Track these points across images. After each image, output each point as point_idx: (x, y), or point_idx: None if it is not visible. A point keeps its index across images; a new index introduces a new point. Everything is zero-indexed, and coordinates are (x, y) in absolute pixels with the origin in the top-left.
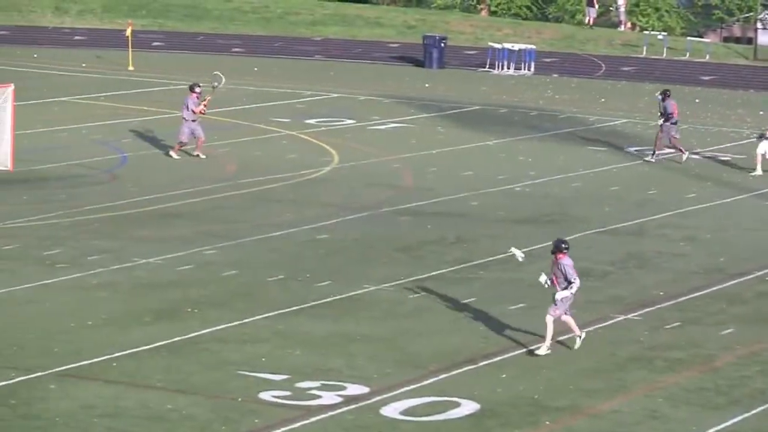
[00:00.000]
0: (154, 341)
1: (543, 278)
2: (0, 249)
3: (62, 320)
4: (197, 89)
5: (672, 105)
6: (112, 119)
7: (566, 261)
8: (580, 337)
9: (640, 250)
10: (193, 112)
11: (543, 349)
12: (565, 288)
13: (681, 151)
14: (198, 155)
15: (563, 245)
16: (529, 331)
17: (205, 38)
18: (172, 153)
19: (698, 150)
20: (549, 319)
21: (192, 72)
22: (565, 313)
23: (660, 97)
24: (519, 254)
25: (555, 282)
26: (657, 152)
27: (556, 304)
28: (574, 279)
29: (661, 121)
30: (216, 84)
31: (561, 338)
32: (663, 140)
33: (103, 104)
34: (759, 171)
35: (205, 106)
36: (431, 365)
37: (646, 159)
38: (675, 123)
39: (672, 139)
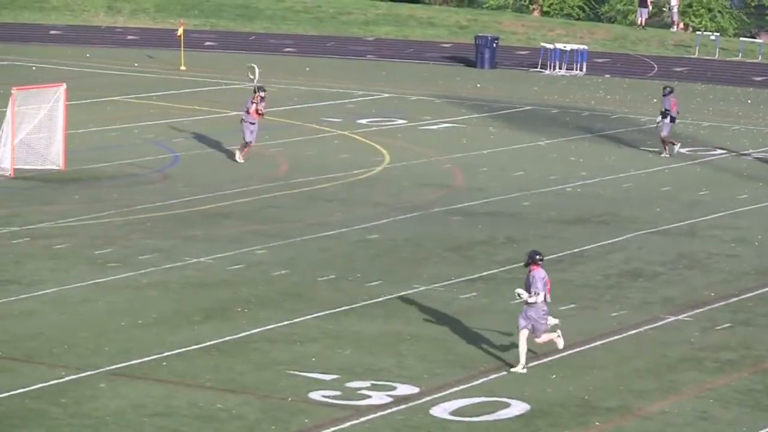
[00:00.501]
0: (204, 341)
1: (520, 291)
2: (52, 248)
3: (113, 319)
4: (261, 93)
5: (671, 102)
6: (164, 119)
7: (538, 273)
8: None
9: (691, 250)
10: (248, 112)
11: (519, 367)
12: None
13: (666, 146)
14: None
15: (537, 257)
16: (579, 332)
17: (257, 38)
18: (240, 158)
19: (749, 151)
20: (523, 336)
21: (244, 72)
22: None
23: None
24: (524, 295)
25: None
26: (669, 148)
27: (535, 326)
28: (539, 291)
29: (659, 118)
30: (252, 77)
31: (604, 341)
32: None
33: (155, 104)
34: None
35: (257, 111)
36: (481, 366)
37: (663, 155)
38: (673, 120)
39: (661, 135)
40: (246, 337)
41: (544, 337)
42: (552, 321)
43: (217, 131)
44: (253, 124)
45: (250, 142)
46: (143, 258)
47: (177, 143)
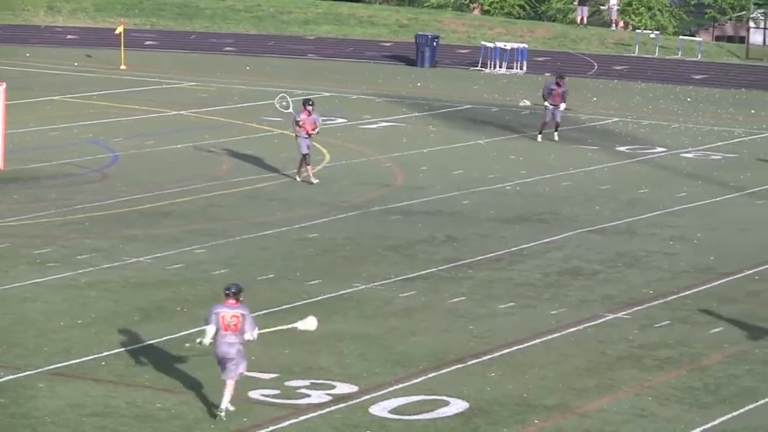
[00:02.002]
0: (143, 340)
1: (204, 340)
2: None
3: (52, 319)
4: (309, 107)
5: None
6: (104, 118)
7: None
8: (224, 411)
9: (630, 249)
10: (297, 127)
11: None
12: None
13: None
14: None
15: (231, 290)
16: (518, 330)
17: (197, 37)
18: (312, 178)
19: (689, 148)
20: (230, 384)
21: (184, 71)
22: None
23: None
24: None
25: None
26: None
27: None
28: (253, 332)
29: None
30: (284, 107)
31: (543, 339)
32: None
33: (95, 103)
34: None
35: (302, 126)
36: (420, 364)
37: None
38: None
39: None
40: (184, 336)
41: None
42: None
43: (156, 131)
44: (307, 138)
45: (308, 155)
46: (82, 258)
47: (116, 143)
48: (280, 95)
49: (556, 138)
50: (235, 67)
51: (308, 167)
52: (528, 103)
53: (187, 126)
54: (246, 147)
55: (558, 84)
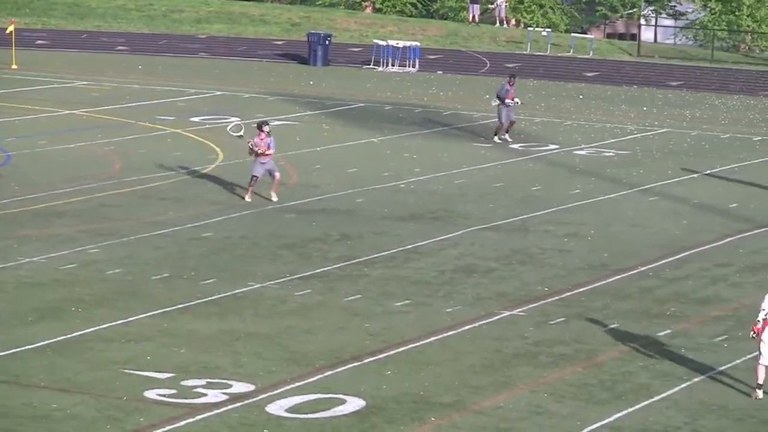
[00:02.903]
0: (38, 341)
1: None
2: None
3: None
4: (265, 128)
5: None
6: None
7: None
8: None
9: (524, 246)
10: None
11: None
12: None
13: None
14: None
15: None
16: (414, 328)
17: (88, 36)
18: (246, 197)
19: (583, 146)
20: None
21: (76, 70)
22: None
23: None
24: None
25: None
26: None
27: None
28: None
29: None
30: (237, 133)
31: (439, 337)
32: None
33: None
34: None
35: (254, 149)
36: (316, 363)
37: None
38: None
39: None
40: (80, 336)
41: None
42: None
43: (49, 130)
44: (264, 163)
45: (256, 177)
46: None
47: (9, 143)
48: (235, 124)
49: (509, 138)
50: (127, 67)
51: (251, 188)
52: (496, 103)
53: (80, 125)
54: (139, 146)
55: (510, 83)
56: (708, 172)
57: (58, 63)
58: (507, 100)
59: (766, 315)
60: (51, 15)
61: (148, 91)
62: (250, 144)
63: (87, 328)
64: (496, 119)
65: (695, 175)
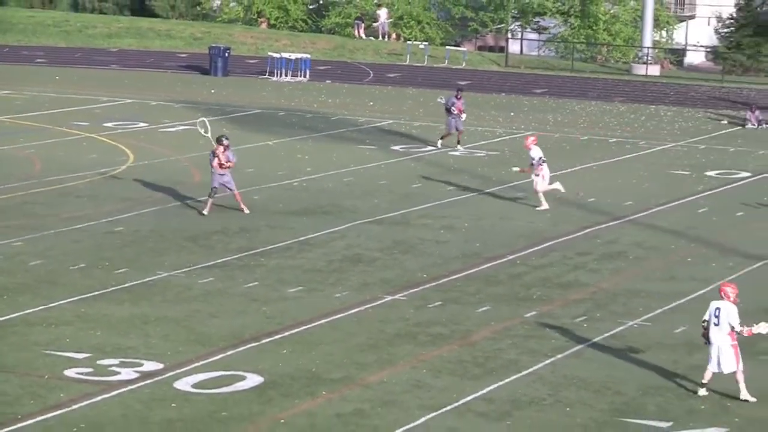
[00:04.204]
0: None
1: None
2: None
3: None
4: (225, 141)
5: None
6: None
7: None
8: None
9: (405, 237)
10: (212, 165)
11: None
12: None
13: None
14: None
15: None
16: (307, 312)
17: (10, 50)
18: (204, 212)
19: (459, 147)
20: None
21: (0, 80)
22: None
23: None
24: None
25: None
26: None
27: None
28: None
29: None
30: (203, 132)
31: (329, 319)
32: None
33: None
34: None
35: (220, 164)
36: (219, 343)
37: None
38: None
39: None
40: (5, 321)
41: None
42: None
43: None
44: (222, 175)
45: (215, 188)
46: None
47: None
48: (201, 120)
49: (460, 147)
50: (45, 77)
51: (210, 201)
52: (442, 100)
53: (4, 130)
54: (57, 149)
55: (458, 97)
56: (568, 170)
57: None
58: (454, 111)
59: (704, 322)
60: None
61: (65, 99)
62: (222, 163)
63: (12, 313)
64: (446, 127)
65: (557, 173)
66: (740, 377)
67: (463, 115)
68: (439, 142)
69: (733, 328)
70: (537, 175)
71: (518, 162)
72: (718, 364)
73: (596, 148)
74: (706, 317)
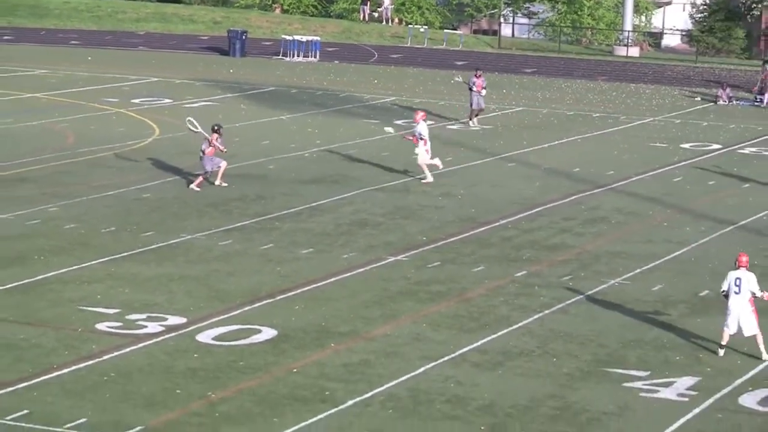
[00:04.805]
0: (6, 283)
1: None
2: None
3: None
4: (218, 129)
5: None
6: None
7: None
8: None
9: (406, 203)
10: (203, 153)
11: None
12: None
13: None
14: (220, 184)
15: None
16: (317, 271)
17: (47, 33)
18: (193, 186)
19: (457, 120)
20: None
21: (37, 61)
22: None
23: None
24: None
25: None
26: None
27: None
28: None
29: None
30: (193, 129)
31: (337, 278)
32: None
33: None
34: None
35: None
36: (237, 299)
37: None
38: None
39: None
40: (42, 279)
41: None
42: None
43: (14, 110)
44: (212, 159)
45: (208, 172)
46: None
47: None
48: (188, 119)
49: (477, 123)
50: (79, 58)
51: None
52: (460, 79)
53: (40, 107)
54: (89, 123)
55: (477, 75)
56: (556, 142)
57: (22, 55)
58: (474, 89)
59: (723, 292)
60: (15, 15)
61: (96, 77)
62: (203, 145)
63: (48, 272)
64: (470, 105)
65: (545, 145)
66: (760, 339)
67: (483, 91)
68: (470, 121)
69: (753, 293)
70: (420, 149)
71: (509, 135)
72: (739, 328)
73: (581, 123)
74: (725, 287)
